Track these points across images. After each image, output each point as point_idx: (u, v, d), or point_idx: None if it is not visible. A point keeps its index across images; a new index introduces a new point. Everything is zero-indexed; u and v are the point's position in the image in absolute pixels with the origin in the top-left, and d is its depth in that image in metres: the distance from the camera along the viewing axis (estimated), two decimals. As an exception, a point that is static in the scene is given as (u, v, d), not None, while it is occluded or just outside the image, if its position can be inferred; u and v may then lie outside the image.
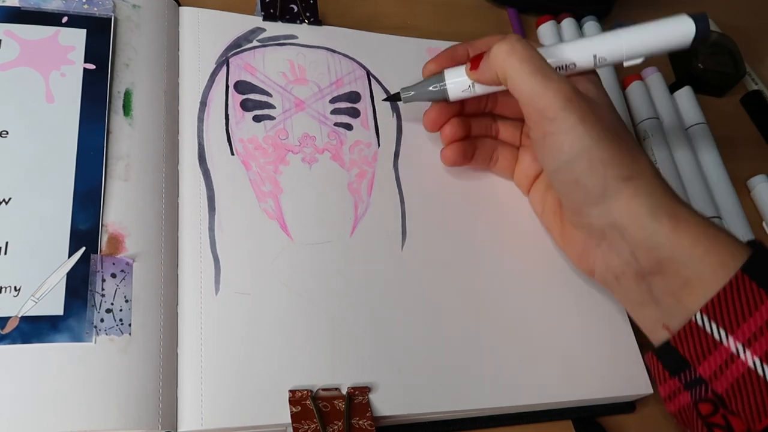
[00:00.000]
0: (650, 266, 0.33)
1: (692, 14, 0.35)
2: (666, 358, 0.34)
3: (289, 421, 0.32)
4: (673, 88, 0.56)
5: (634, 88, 0.54)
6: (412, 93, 0.39)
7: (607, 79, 0.53)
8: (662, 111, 0.54)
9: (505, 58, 0.35)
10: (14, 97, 0.36)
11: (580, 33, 0.55)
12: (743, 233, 0.48)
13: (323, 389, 0.34)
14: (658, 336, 0.34)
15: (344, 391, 0.34)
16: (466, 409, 0.36)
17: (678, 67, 0.58)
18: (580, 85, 0.36)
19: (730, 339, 0.31)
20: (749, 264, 0.31)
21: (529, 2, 0.56)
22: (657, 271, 0.33)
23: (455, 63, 0.39)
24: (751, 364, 0.30)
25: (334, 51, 0.45)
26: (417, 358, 0.36)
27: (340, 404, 0.33)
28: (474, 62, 0.37)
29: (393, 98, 0.41)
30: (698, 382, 0.32)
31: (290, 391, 0.33)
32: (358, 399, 0.34)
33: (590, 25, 0.56)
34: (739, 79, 0.58)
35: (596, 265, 0.36)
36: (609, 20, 0.58)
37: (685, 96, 0.55)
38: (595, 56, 0.36)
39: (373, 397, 0.34)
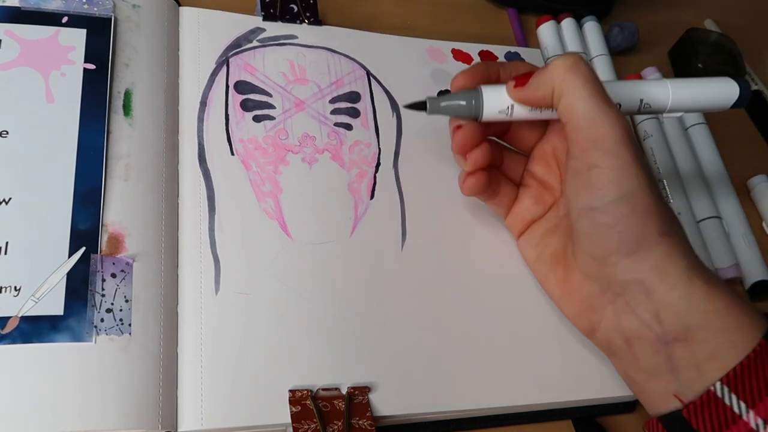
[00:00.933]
0: (675, 332, 0.30)
1: (737, 78, 0.35)
2: (674, 428, 0.31)
3: (289, 421, 0.32)
4: (673, 88, 0.56)
5: (634, 88, 0.54)
6: (442, 104, 0.35)
7: (607, 78, 0.53)
8: (662, 111, 0.54)
9: (566, 73, 0.31)
10: (14, 97, 0.36)
11: (580, 33, 0.55)
12: (743, 233, 0.48)
13: (323, 389, 0.34)
14: (663, 407, 0.31)
15: (344, 391, 0.34)
16: (466, 409, 0.36)
17: (678, 67, 0.58)
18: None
19: (751, 414, 0.29)
20: None
21: (529, 2, 0.56)
22: (683, 339, 0.30)
23: (488, 80, 0.36)
24: None
25: (334, 51, 0.45)
26: (417, 358, 0.36)
27: (340, 404, 0.33)
28: (520, 80, 0.33)
29: (417, 107, 0.36)
30: None
31: (290, 391, 0.33)
32: (358, 399, 0.34)
33: (590, 25, 0.56)
34: (739, 79, 0.58)
35: (602, 323, 0.34)
36: (609, 20, 0.58)
37: (685, 96, 0.55)
38: (641, 101, 0.34)
39: (373, 397, 0.34)
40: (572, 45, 0.54)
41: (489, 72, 0.36)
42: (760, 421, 0.29)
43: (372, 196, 0.40)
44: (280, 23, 0.45)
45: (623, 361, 0.33)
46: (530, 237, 0.39)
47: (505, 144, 0.40)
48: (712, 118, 0.54)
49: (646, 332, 0.31)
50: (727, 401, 0.29)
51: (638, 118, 0.53)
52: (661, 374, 0.31)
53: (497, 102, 0.34)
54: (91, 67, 0.38)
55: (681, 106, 0.35)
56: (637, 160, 0.31)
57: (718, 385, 0.29)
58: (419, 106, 0.35)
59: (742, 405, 0.29)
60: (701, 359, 0.30)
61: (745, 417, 0.29)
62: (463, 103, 0.35)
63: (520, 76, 0.34)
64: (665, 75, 0.56)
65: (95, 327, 0.32)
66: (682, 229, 0.32)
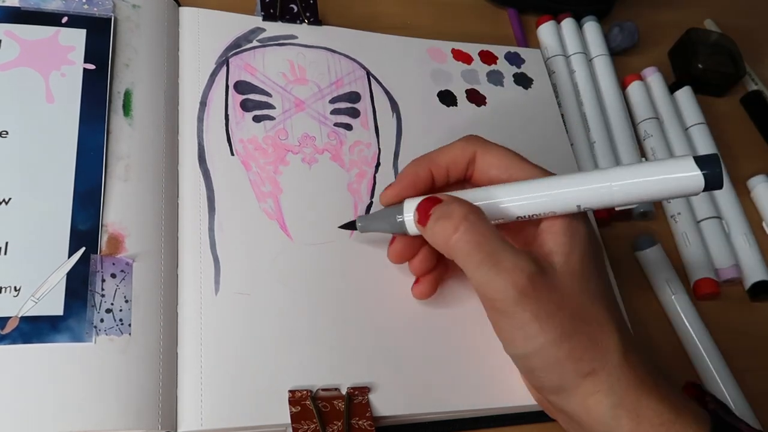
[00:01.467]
0: None
1: (700, 157, 0.29)
2: None
3: (289, 421, 0.32)
4: (673, 88, 0.55)
5: (634, 88, 0.54)
6: (368, 223, 0.36)
7: (607, 80, 0.53)
8: (662, 111, 0.54)
9: (448, 241, 0.31)
10: (14, 98, 0.36)
11: (580, 33, 0.55)
12: (743, 233, 0.48)
13: (323, 389, 0.34)
14: None
15: (344, 391, 0.34)
16: (466, 409, 0.36)
17: (678, 67, 0.58)
18: (548, 243, 0.31)
19: None
20: None
21: (529, 2, 0.56)
22: None
23: (418, 190, 0.35)
24: None
25: (334, 51, 0.45)
26: (417, 358, 0.36)
27: (339, 404, 0.33)
28: (422, 213, 0.32)
29: (348, 226, 0.37)
30: None
31: (290, 391, 0.33)
32: (357, 399, 0.34)
33: (590, 25, 0.56)
34: (739, 79, 0.58)
35: (558, 419, 0.35)
36: (609, 20, 0.58)
37: (685, 96, 0.55)
38: (579, 206, 0.31)
39: (373, 397, 0.34)
40: (572, 45, 0.54)
41: (417, 180, 0.35)
42: None
43: (372, 197, 0.40)
44: (280, 23, 0.45)
45: None
46: None
47: None
48: (712, 118, 0.54)
49: None
50: None
51: (639, 118, 0.53)
52: None
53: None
54: (91, 67, 0.38)
55: (632, 200, 0.31)
56: (540, 314, 0.29)
57: None
58: (350, 225, 0.36)
59: None
60: None
61: None
62: (388, 220, 0.34)
63: (422, 206, 0.32)
64: (665, 75, 0.56)
65: (95, 327, 0.32)
66: (616, 358, 0.30)
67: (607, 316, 0.31)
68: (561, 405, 0.32)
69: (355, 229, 0.36)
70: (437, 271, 0.37)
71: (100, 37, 0.39)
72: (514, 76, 0.49)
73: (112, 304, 0.33)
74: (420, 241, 0.35)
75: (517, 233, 0.35)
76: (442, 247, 0.32)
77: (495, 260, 0.30)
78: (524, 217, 0.32)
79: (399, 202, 0.35)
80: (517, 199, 0.32)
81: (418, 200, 0.33)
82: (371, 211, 0.40)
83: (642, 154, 0.51)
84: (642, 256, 0.46)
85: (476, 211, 0.31)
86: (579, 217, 0.32)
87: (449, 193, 0.33)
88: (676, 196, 0.30)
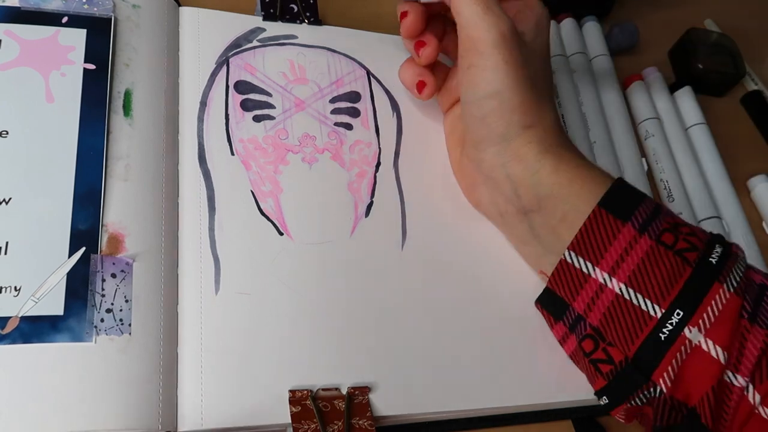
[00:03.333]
0: (531, 204, 0.36)
1: None
2: (547, 302, 0.37)
3: (289, 421, 0.32)
4: (673, 88, 0.56)
5: (635, 88, 0.54)
6: None
7: (607, 80, 0.53)
8: (662, 111, 0.54)
9: None
10: (14, 97, 0.36)
11: (580, 33, 0.55)
12: (743, 233, 0.48)
13: (323, 389, 0.34)
14: (540, 278, 0.38)
15: (344, 391, 0.34)
16: (466, 409, 0.36)
17: (678, 67, 0.58)
18: (522, 24, 0.37)
19: (597, 270, 0.34)
20: (605, 199, 0.34)
21: (529, 2, 0.56)
22: (537, 209, 0.36)
23: None
24: (617, 290, 0.33)
25: (334, 51, 0.45)
26: (417, 358, 0.36)
27: (340, 404, 0.33)
28: None
29: None
30: (578, 320, 0.35)
31: (290, 391, 0.33)
32: (358, 399, 0.34)
33: (590, 25, 0.56)
34: (739, 79, 0.58)
35: (482, 199, 0.40)
36: (609, 20, 0.58)
37: (685, 96, 0.55)
38: None
39: (373, 397, 0.34)
40: (572, 45, 0.54)
41: None
42: (605, 275, 0.33)
43: (372, 196, 0.40)
44: (280, 23, 0.45)
45: (503, 230, 0.40)
46: (451, 115, 0.43)
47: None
48: (712, 118, 0.55)
49: (510, 206, 0.37)
50: (576, 264, 0.34)
51: (639, 118, 0.53)
52: (529, 241, 0.38)
53: None
54: (91, 67, 0.38)
55: None
56: (510, 62, 0.35)
57: (566, 253, 0.34)
58: None
59: (589, 264, 0.34)
60: (554, 224, 0.35)
61: (593, 274, 0.34)
62: None
63: None
64: (665, 75, 0.56)
65: (95, 327, 0.32)
66: (550, 119, 0.36)
67: (549, 89, 0.38)
68: (495, 159, 0.37)
69: None
70: (442, 40, 0.41)
71: (100, 36, 0.39)
72: (514, 76, 0.49)
73: (112, 303, 0.33)
74: (425, 20, 0.40)
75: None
76: None
77: (488, 4, 0.35)
78: None
79: None
80: None
81: None
82: (370, 212, 0.40)
83: (642, 154, 0.51)
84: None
85: None
86: (544, 24, 0.38)
87: None
88: None
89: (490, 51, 0.35)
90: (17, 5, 0.39)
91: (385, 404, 0.34)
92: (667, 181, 0.50)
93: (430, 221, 0.41)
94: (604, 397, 0.35)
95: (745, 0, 0.67)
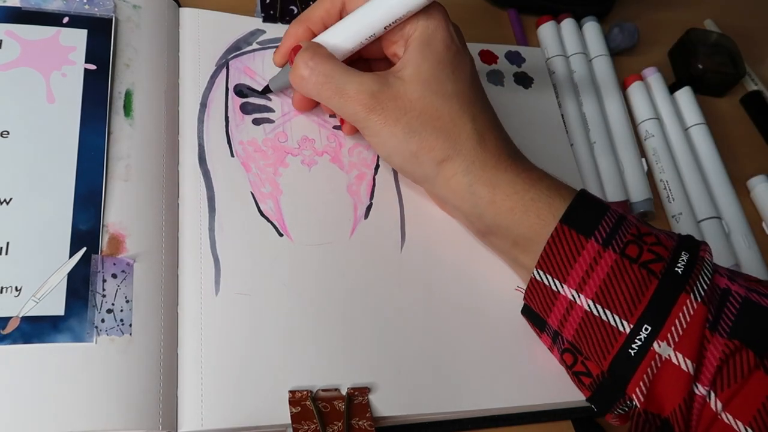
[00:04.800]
0: (483, 229, 0.37)
1: None
2: (529, 316, 0.37)
3: (289, 421, 0.32)
4: (673, 89, 0.56)
5: (635, 89, 0.54)
6: (275, 82, 0.41)
7: (607, 80, 0.53)
8: (662, 111, 0.54)
9: (299, 86, 0.37)
10: (15, 98, 0.37)
11: (580, 33, 0.55)
12: (743, 233, 0.48)
13: (323, 390, 0.34)
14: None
15: (344, 392, 0.34)
16: (466, 410, 0.36)
17: (678, 67, 0.58)
18: (404, 58, 0.36)
19: (565, 287, 0.34)
20: (567, 215, 0.34)
21: (529, 3, 0.56)
22: (491, 233, 0.37)
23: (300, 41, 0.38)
24: (586, 306, 0.33)
25: (334, 51, 0.45)
26: (417, 358, 0.36)
27: (339, 405, 0.33)
28: (291, 64, 0.37)
29: (265, 91, 0.42)
30: (556, 334, 0.35)
31: (290, 391, 0.33)
32: (357, 399, 0.34)
33: (590, 25, 0.56)
34: (739, 79, 0.58)
35: (452, 214, 0.40)
36: (609, 20, 0.58)
37: (685, 96, 0.55)
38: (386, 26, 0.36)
39: (373, 398, 0.34)
40: (572, 45, 0.54)
41: (297, 36, 0.39)
42: (573, 291, 0.33)
43: (371, 198, 0.41)
44: (280, 25, 0.45)
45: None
46: None
47: None
48: (712, 118, 0.55)
49: (471, 228, 0.38)
50: (545, 282, 0.34)
51: (639, 118, 0.53)
52: (498, 255, 0.39)
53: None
54: (92, 67, 0.38)
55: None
56: (387, 120, 0.35)
57: (535, 271, 0.34)
58: (267, 89, 0.41)
59: (556, 282, 0.34)
60: (508, 248, 0.36)
61: (561, 291, 0.34)
62: (286, 79, 0.39)
63: (290, 58, 0.37)
64: (665, 75, 0.56)
65: (96, 327, 0.32)
66: (470, 143, 0.35)
67: (460, 110, 0.35)
68: (435, 192, 0.37)
69: (271, 91, 0.41)
70: None
71: (100, 37, 0.39)
72: (514, 75, 0.49)
73: (112, 304, 0.33)
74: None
75: (390, 53, 0.38)
76: (303, 93, 0.37)
77: (341, 92, 0.35)
78: (362, 43, 0.37)
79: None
80: (351, 28, 0.37)
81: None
82: (369, 214, 0.40)
83: (642, 154, 0.51)
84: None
85: (317, 54, 0.36)
86: (435, 34, 0.36)
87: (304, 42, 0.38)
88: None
89: (364, 124, 0.36)
90: (18, 5, 0.39)
91: (385, 404, 0.34)
92: (667, 181, 0.50)
93: (428, 223, 0.41)
94: (593, 405, 0.36)
95: (745, 0, 0.66)
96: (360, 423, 0.33)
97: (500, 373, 0.37)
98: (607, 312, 0.33)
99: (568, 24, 0.55)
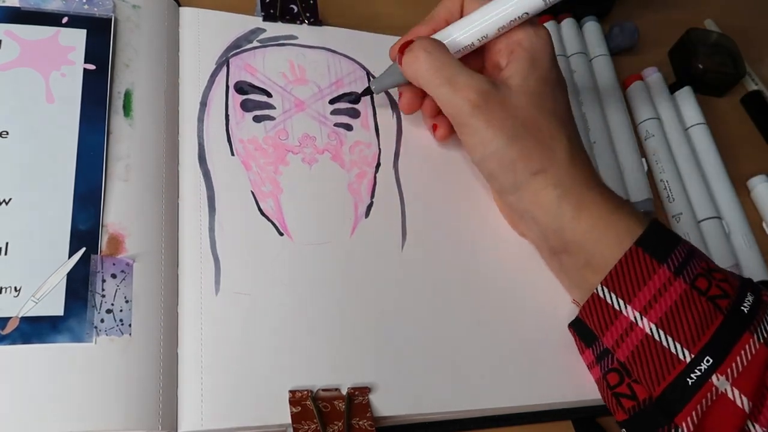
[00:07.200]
0: (558, 246, 0.36)
1: None
2: (579, 330, 0.37)
3: (289, 421, 0.32)
4: (673, 88, 0.56)
5: (635, 89, 0.54)
6: (379, 83, 0.41)
7: (607, 80, 0.53)
8: (662, 111, 0.54)
9: (416, 72, 0.37)
10: (14, 98, 0.36)
11: (580, 33, 0.55)
12: (743, 233, 0.48)
13: (323, 389, 0.34)
14: (574, 305, 0.39)
15: (344, 392, 0.34)
16: (467, 409, 0.36)
17: (678, 67, 0.58)
18: (512, 65, 0.37)
19: (629, 308, 0.34)
20: (643, 238, 0.34)
21: (529, 2, 0.56)
22: (564, 251, 0.36)
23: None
24: (648, 330, 0.33)
25: (334, 51, 0.45)
26: (417, 358, 0.36)
27: (340, 404, 0.33)
28: (399, 54, 0.38)
29: (365, 93, 0.42)
30: (605, 353, 0.35)
31: (290, 391, 0.33)
32: (358, 399, 0.34)
33: (590, 25, 0.56)
34: (739, 79, 0.58)
35: (526, 233, 0.40)
36: (609, 20, 0.58)
37: (685, 96, 0.55)
38: (521, 15, 0.37)
39: (373, 398, 0.34)
40: (572, 45, 0.54)
41: (421, 34, 0.39)
42: (637, 314, 0.34)
43: (372, 197, 0.40)
44: (280, 23, 0.45)
45: (545, 261, 0.40)
46: None
47: None
48: (712, 118, 0.55)
49: (541, 244, 0.38)
50: (608, 300, 0.34)
51: (639, 118, 0.53)
52: (560, 275, 0.39)
53: None
54: (92, 67, 0.38)
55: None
56: (492, 122, 0.35)
57: (599, 287, 0.35)
58: (367, 91, 0.42)
59: (620, 301, 0.34)
60: (580, 266, 0.36)
61: (624, 312, 0.34)
62: (392, 78, 0.40)
63: (400, 50, 0.38)
64: (665, 75, 0.56)
65: (95, 327, 0.32)
66: (563, 159, 0.36)
67: (559, 127, 0.36)
68: (518, 204, 0.37)
69: (372, 93, 0.42)
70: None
71: (100, 37, 0.39)
72: (514, 76, 0.49)
73: (112, 304, 0.33)
74: (421, 94, 0.41)
75: (491, 63, 0.40)
76: (413, 78, 0.38)
77: (452, 82, 0.36)
78: (474, 43, 0.38)
79: None
80: (466, 27, 0.38)
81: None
82: (370, 212, 0.40)
83: (642, 154, 0.51)
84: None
85: (435, 44, 0.37)
86: (542, 53, 0.37)
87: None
88: None
89: (468, 120, 0.36)
90: (17, 5, 0.39)
91: (385, 404, 0.34)
92: (667, 181, 0.50)
93: (429, 222, 0.41)
94: (625, 429, 0.35)
95: (745, 0, 0.66)
96: (360, 423, 0.33)
97: (500, 373, 0.37)
98: (669, 339, 0.33)
99: (568, 24, 0.55)
